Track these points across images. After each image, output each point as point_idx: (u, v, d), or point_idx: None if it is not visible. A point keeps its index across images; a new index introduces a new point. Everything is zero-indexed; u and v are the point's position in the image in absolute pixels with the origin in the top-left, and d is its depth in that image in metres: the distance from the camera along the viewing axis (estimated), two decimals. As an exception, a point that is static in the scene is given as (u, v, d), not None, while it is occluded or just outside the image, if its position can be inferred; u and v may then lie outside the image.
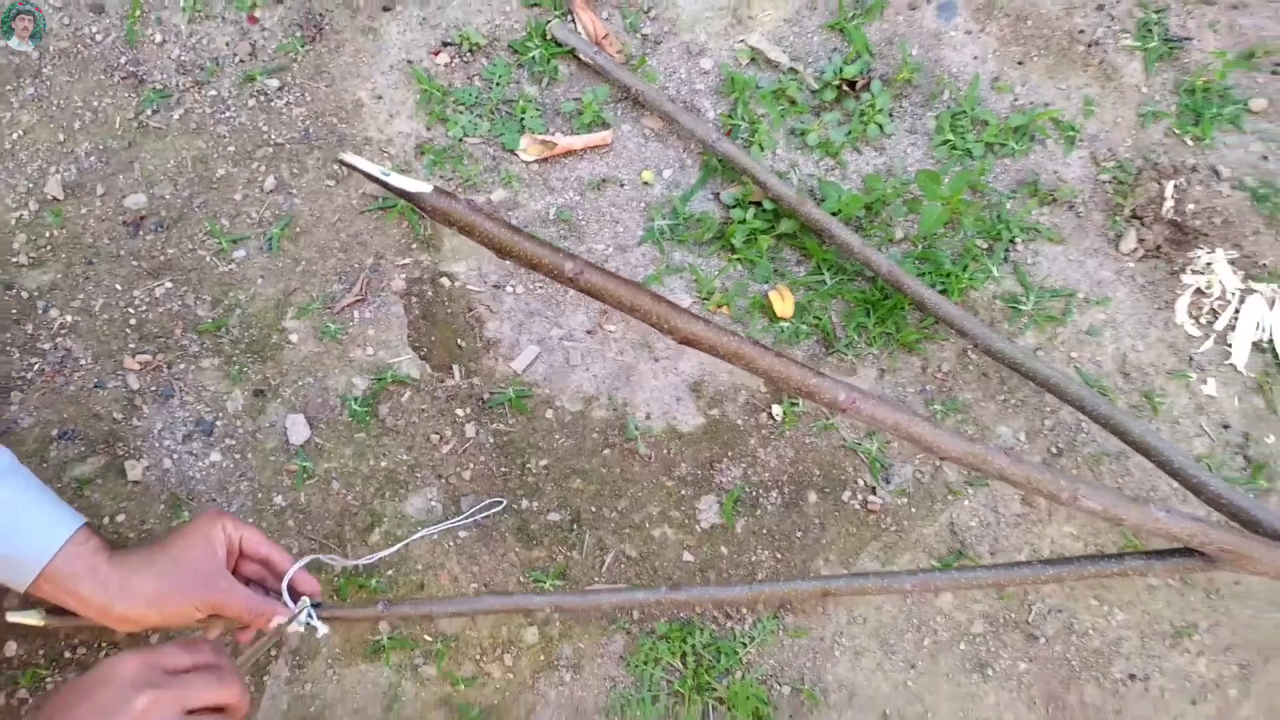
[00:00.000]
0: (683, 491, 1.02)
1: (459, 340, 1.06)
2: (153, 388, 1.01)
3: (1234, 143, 1.16)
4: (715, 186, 1.14)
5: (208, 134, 1.11)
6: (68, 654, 0.93)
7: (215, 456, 1.00)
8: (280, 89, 1.13)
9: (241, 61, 1.14)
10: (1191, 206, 1.12)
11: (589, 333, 1.07)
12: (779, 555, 1.00)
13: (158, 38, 1.14)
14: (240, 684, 0.69)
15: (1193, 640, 0.99)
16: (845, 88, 1.18)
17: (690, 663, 0.96)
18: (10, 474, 0.78)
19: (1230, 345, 1.08)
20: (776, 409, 1.05)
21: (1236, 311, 1.09)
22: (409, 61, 1.15)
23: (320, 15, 1.16)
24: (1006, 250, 1.11)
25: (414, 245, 1.08)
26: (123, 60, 1.13)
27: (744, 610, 0.98)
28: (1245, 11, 1.21)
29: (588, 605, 0.87)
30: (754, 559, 1.00)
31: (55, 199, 1.07)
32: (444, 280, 1.08)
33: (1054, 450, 1.04)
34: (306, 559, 0.85)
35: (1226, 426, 1.05)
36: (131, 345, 1.02)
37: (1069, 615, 0.99)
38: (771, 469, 1.03)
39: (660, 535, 1.00)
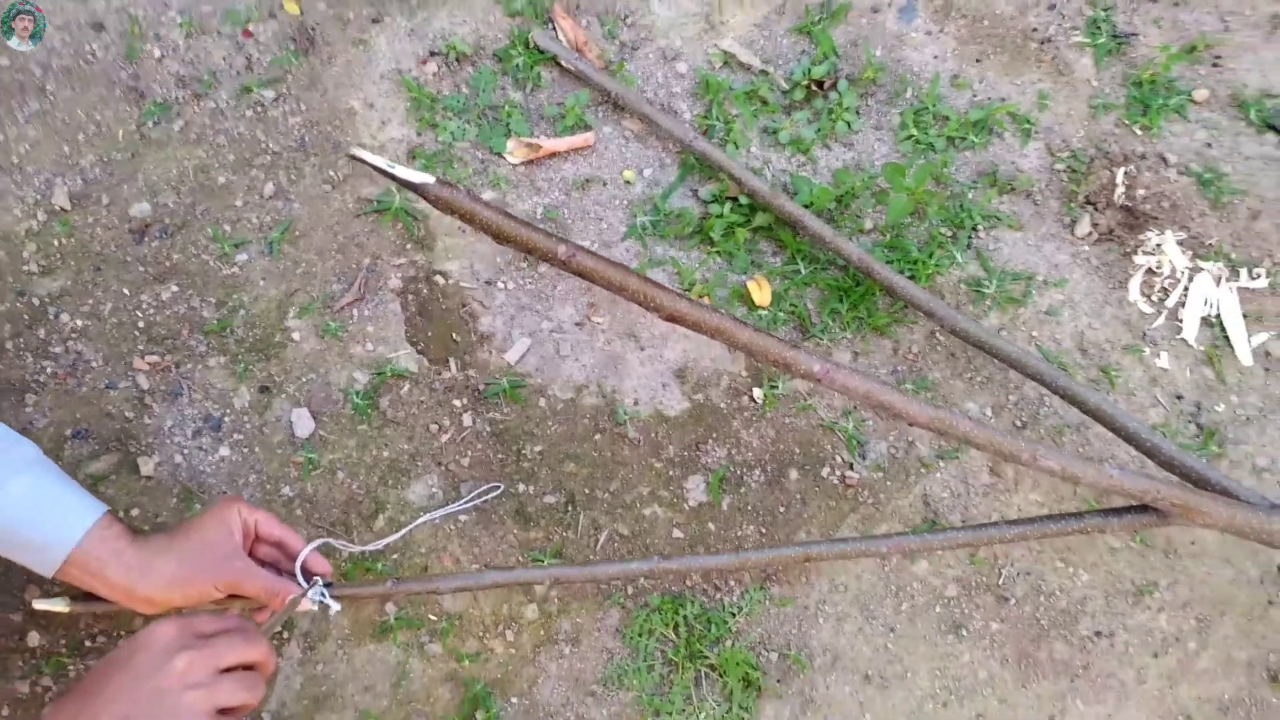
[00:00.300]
0: (671, 472, 1.07)
1: (454, 335, 1.11)
2: (162, 387, 1.06)
3: (1179, 131, 1.23)
4: (693, 184, 1.20)
5: (208, 144, 1.15)
6: (88, 643, 0.98)
7: (224, 451, 1.05)
8: (276, 100, 1.18)
9: (238, 74, 1.19)
10: (1141, 192, 1.19)
11: (578, 325, 1.13)
12: (763, 530, 1.06)
13: (156, 53, 1.19)
14: (267, 643, 0.74)
15: (1153, 598, 1.05)
16: (814, 88, 1.24)
17: (682, 633, 1.01)
18: (36, 465, 0.82)
19: (1181, 321, 1.15)
20: (757, 392, 1.11)
21: (1186, 289, 1.16)
22: (398, 71, 1.20)
23: (312, 28, 1.21)
24: (969, 237, 1.18)
25: (409, 246, 1.14)
26: (123, 75, 1.18)
27: (732, 582, 1.04)
28: (1186, 8, 1.29)
29: (585, 577, 0.92)
30: (740, 534, 1.06)
31: (63, 209, 1.11)
32: (438, 278, 1.13)
33: (1019, 423, 1.10)
34: (318, 542, 0.90)
35: (1179, 397, 1.12)
36: (140, 347, 1.07)
37: (1037, 578, 1.05)
38: (754, 449, 1.09)
39: (650, 514, 1.06)
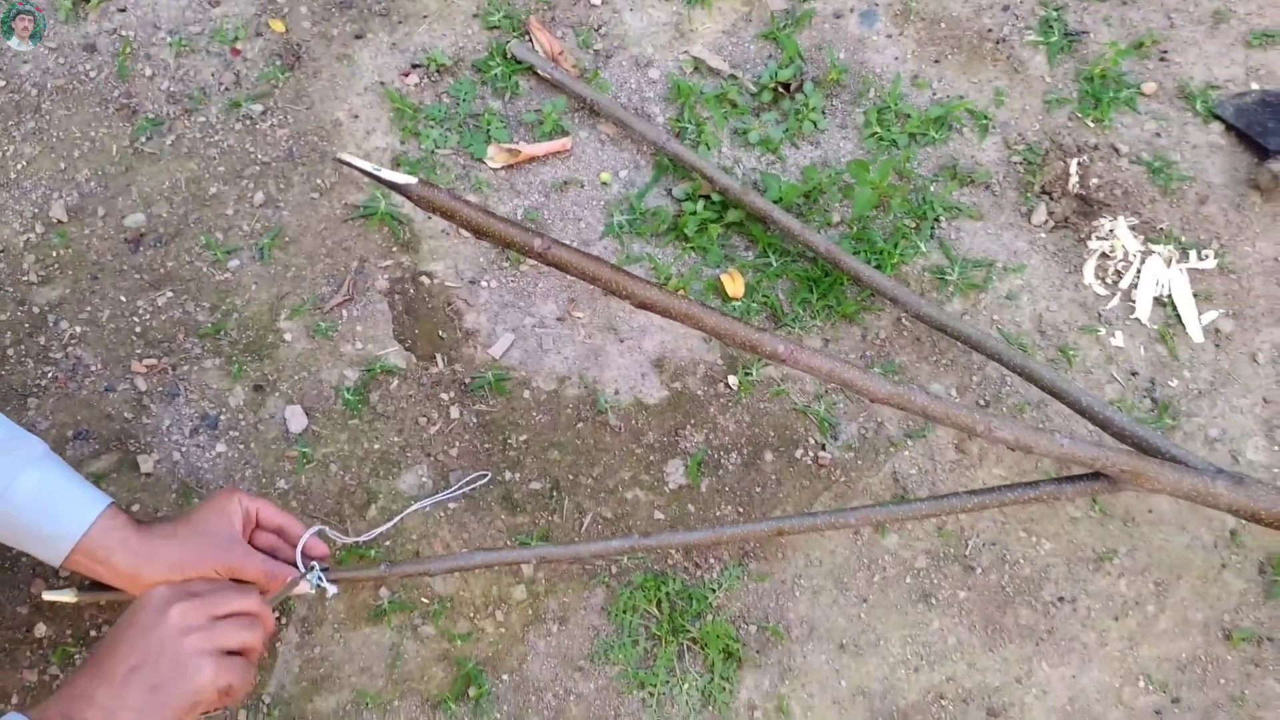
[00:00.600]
0: (651, 457, 1.12)
1: (440, 332, 1.16)
2: (159, 388, 1.10)
3: (1130, 122, 1.29)
4: (667, 183, 1.25)
5: (199, 157, 1.20)
6: (93, 633, 1.01)
7: (221, 448, 1.09)
8: (264, 113, 1.23)
9: (227, 90, 1.24)
10: (1095, 181, 1.25)
11: (559, 320, 1.18)
12: (741, 509, 1.11)
13: (148, 71, 1.24)
14: (259, 597, 0.79)
15: (1113, 564, 1.10)
16: (781, 90, 1.30)
17: (665, 609, 1.06)
18: (45, 460, 0.87)
19: (1134, 301, 1.20)
20: (732, 379, 1.16)
21: (1138, 271, 1.21)
22: (381, 83, 1.26)
23: (298, 45, 1.27)
24: (932, 228, 1.23)
25: (395, 248, 1.18)
26: (116, 93, 1.23)
27: (712, 560, 1.08)
28: (1134, 6, 1.35)
29: (568, 555, 0.97)
30: (718, 514, 1.10)
31: (60, 221, 1.16)
32: (424, 279, 1.18)
33: (982, 401, 1.16)
34: (316, 528, 0.95)
35: (1134, 374, 1.17)
36: (138, 351, 1.11)
37: (1002, 548, 1.10)
38: (730, 433, 1.13)
39: (632, 497, 1.10)
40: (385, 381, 1.13)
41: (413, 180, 0.76)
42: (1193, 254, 1.22)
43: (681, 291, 1.19)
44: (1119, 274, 1.21)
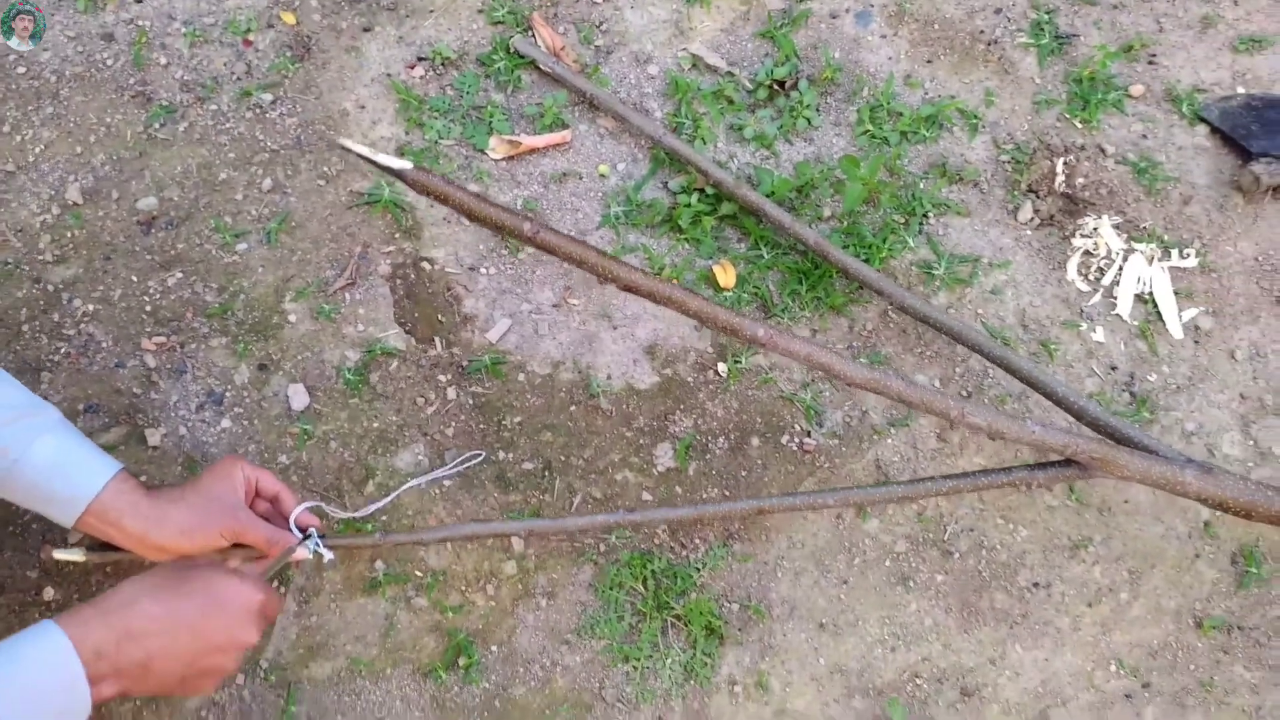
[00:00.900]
0: (641, 440, 1.16)
1: (439, 316, 1.19)
2: (168, 365, 1.14)
3: (1117, 124, 1.32)
4: (664, 176, 1.29)
5: (210, 143, 1.24)
6: (100, 598, 1.05)
7: (226, 423, 1.13)
8: (274, 102, 1.27)
9: (238, 79, 1.28)
10: (1080, 180, 1.28)
11: (555, 306, 1.21)
12: (727, 493, 1.14)
13: (162, 60, 1.28)
14: (271, 588, 0.85)
15: (1088, 551, 1.13)
16: (776, 87, 1.33)
17: (651, 586, 1.09)
18: (59, 427, 0.91)
19: (1115, 298, 1.23)
20: (722, 367, 1.19)
21: (1120, 269, 1.24)
22: (388, 75, 1.30)
23: (308, 37, 1.31)
24: (920, 223, 1.27)
25: (397, 235, 1.22)
26: (131, 81, 1.27)
27: (697, 540, 1.12)
28: (1124, 10, 1.38)
29: (556, 529, 1.00)
30: (705, 497, 1.13)
31: (75, 203, 1.20)
32: (425, 264, 1.22)
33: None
34: (309, 504, 0.99)
35: (1114, 368, 1.20)
36: (148, 329, 1.15)
37: (979, 534, 1.13)
38: (719, 418, 1.17)
39: (622, 479, 1.14)
40: (385, 363, 1.16)
41: (408, 165, 0.79)
42: (1174, 253, 1.25)
43: (675, 281, 1.22)
44: (1101, 271, 1.24)
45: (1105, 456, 0.95)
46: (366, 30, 1.32)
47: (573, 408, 1.17)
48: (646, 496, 1.13)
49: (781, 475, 1.15)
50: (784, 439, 1.17)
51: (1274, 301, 1.23)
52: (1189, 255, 1.25)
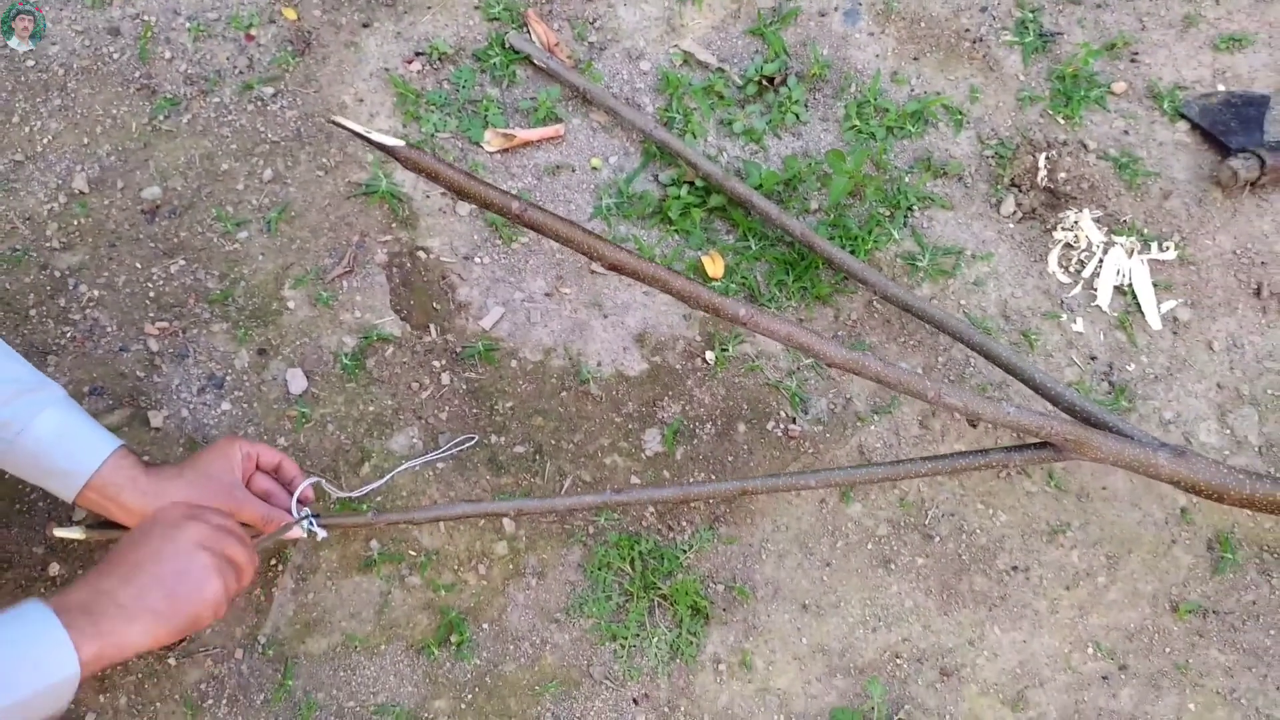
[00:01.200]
0: (630, 426, 1.18)
1: (434, 304, 1.23)
2: (170, 350, 1.18)
3: (1099, 120, 1.35)
4: (655, 170, 1.32)
5: (213, 135, 1.28)
6: (102, 574, 1.08)
7: (226, 406, 1.16)
8: (275, 95, 1.30)
9: (241, 73, 1.31)
10: (1062, 175, 1.31)
11: (547, 295, 1.24)
12: (714, 477, 1.17)
13: (167, 54, 1.31)
14: (253, 547, 0.87)
15: (1066, 536, 1.15)
16: (765, 83, 1.36)
17: (638, 567, 1.12)
18: (62, 403, 0.94)
19: (1095, 289, 1.26)
20: (709, 354, 1.22)
21: (1100, 261, 1.27)
22: (386, 69, 1.33)
23: (308, 32, 1.34)
24: (905, 216, 1.29)
25: (394, 225, 1.26)
26: (137, 75, 1.30)
27: (684, 523, 1.15)
28: (1108, 9, 1.41)
29: (544, 508, 1.03)
30: (692, 481, 1.16)
31: (81, 192, 1.23)
32: (420, 253, 1.25)
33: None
34: (312, 480, 1.02)
35: (1094, 358, 1.23)
36: (151, 314, 1.19)
37: (960, 518, 1.16)
38: (706, 405, 1.20)
39: (611, 463, 1.17)
40: (381, 348, 1.19)
41: (400, 143, 0.83)
42: (1154, 246, 1.28)
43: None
44: (1082, 263, 1.27)
45: (1079, 438, 0.98)
46: (365, 26, 1.35)
47: (563, 393, 1.19)
48: (635, 480, 1.16)
49: (767, 460, 1.18)
50: (769, 425, 1.19)
51: (1251, 294, 1.26)
52: (1168, 248, 1.28)
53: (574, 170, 1.31)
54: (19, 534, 1.08)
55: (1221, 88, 1.36)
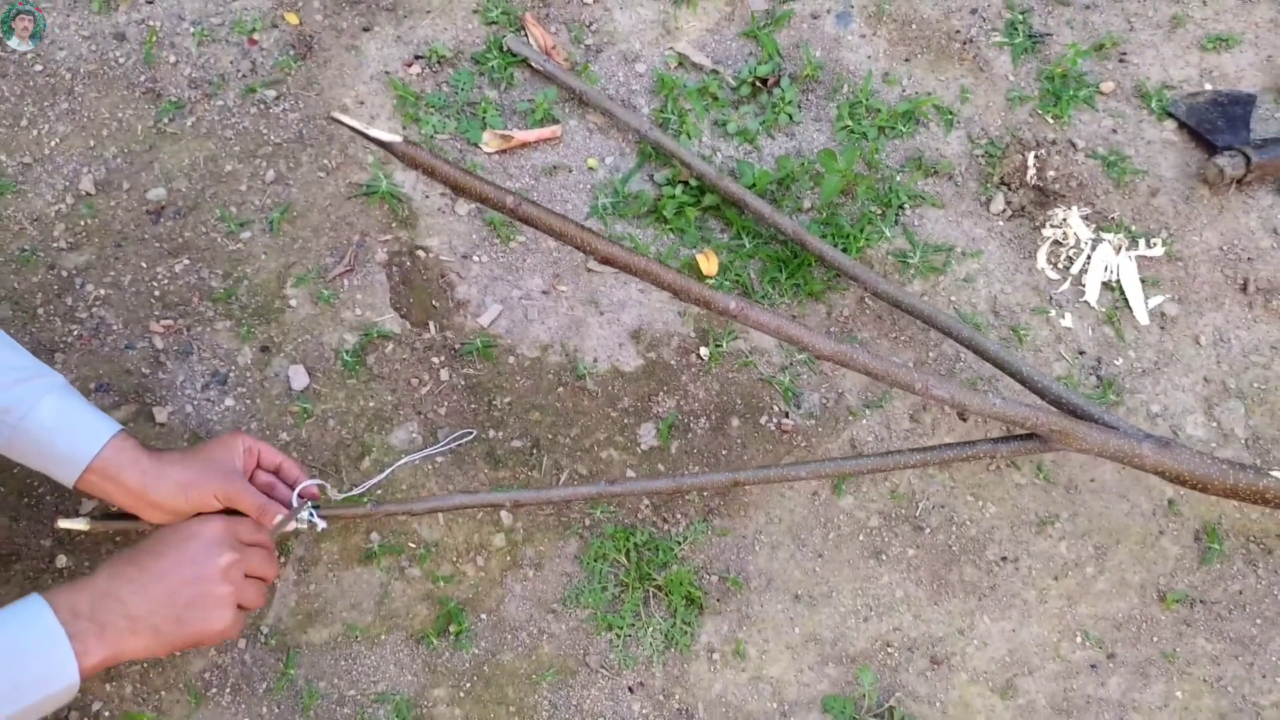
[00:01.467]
0: (625, 420, 1.21)
1: (434, 301, 1.25)
2: (175, 347, 1.20)
3: (1088, 119, 1.37)
4: (650, 170, 1.34)
5: (216, 137, 1.30)
6: (108, 566, 1.11)
7: (229, 402, 1.18)
8: (277, 98, 1.33)
9: (244, 76, 1.34)
10: (1051, 173, 1.33)
11: (544, 293, 1.27)
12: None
13: (172, 59, 1.34)
14: (278, 563, 0.90)
15: (1055, 528, 1.17)
16: (759, 85, 1.39)
17: (633, 558, 1.14)
18: (63, 389, 0.95)
19: (1084, 285, 1.28)
20: (704, 350, 1.24)
21: (1089, 258, 1.29)
22: (386, 72, 1.35)
23: (310, 36, 1.37)
24: (897, 215, 1.32)
25: (394, 224, 1.28)
26: (142, 78, 1.33)
27: (679, 515, 1.17)
28: (1096, 10, 1.43)
29: (539, 499, 1.05)
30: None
31: (88, 194, 1.26)
32: (420, 252, 1.27)
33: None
34: (314, 481, 1.04)
35: (1082, 353, 1.25)
36: (156, 312, 1.21)
37: (950, 510, 1.18)
38: (700, 400, 1.22)
39: (607, 456, 1.19)
40: (381, 345, 1.22)
41: (398, 138, 0.85)
42: (1142, 242, 1.30)
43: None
44: (1070, 260, 1.29)
45: (1065, 430, 1.00)
46: (366, 30, 1.38)
47: (560, 389, 1.22)
48: (630, 474, 1.18)
49: (760, 454, 1.20)
50: (763, 419, 1.21)
51: (1238, 289, 1.28)
52: (1156, 245, 1.30)
53: (571, 170, 1.33)
54: (27, 526, 1.10)
55: (1208, 87, 1.38)
